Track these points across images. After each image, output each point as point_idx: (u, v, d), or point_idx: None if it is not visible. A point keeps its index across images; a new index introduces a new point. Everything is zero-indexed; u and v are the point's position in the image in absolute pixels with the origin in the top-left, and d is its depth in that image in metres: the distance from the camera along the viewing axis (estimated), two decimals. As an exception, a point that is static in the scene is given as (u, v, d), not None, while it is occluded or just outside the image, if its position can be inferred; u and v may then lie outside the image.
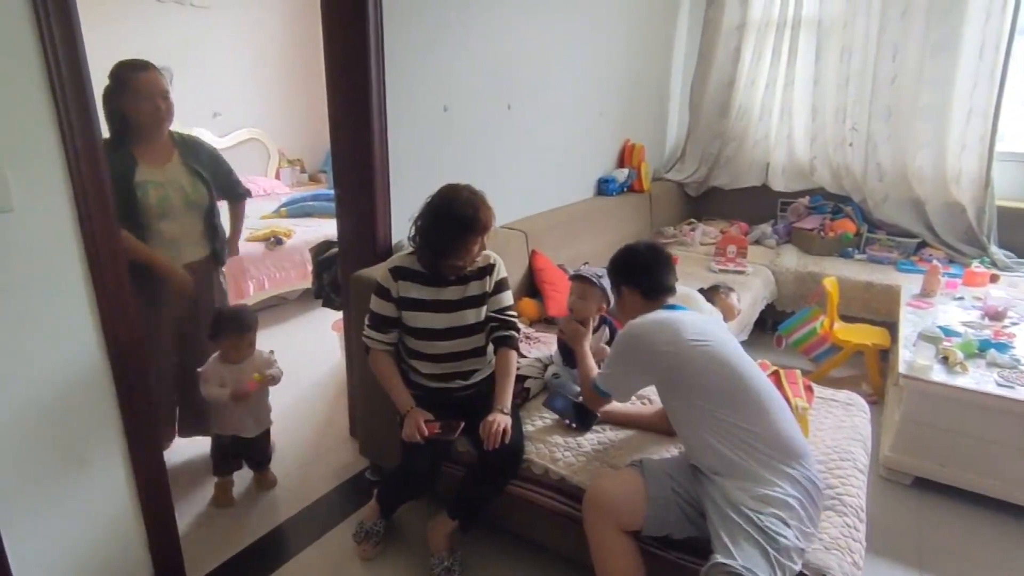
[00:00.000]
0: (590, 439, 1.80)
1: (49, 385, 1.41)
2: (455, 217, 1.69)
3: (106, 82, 1.88)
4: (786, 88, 4.09)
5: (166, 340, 2.16)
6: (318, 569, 1.87)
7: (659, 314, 1.61)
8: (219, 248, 2.25)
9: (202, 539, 1.96)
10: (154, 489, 1.65)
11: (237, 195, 2.42)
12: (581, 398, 1.88)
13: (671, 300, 1.70)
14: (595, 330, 2.04)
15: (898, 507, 2.18)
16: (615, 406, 1.85)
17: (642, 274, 1.70)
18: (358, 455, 2.34)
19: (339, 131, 2.15)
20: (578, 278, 1.95)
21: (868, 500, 1.66)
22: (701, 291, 2.67)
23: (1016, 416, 2.05)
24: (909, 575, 1.87)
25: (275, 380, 2.13)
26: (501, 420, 1.69)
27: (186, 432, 2.34)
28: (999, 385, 2.10)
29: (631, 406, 1.95)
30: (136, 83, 1.91)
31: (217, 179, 2.20)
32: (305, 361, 3.19)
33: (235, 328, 2.04)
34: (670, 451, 1.75)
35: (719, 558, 1.29)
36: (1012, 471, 2.10)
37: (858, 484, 1.65)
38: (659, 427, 1.82)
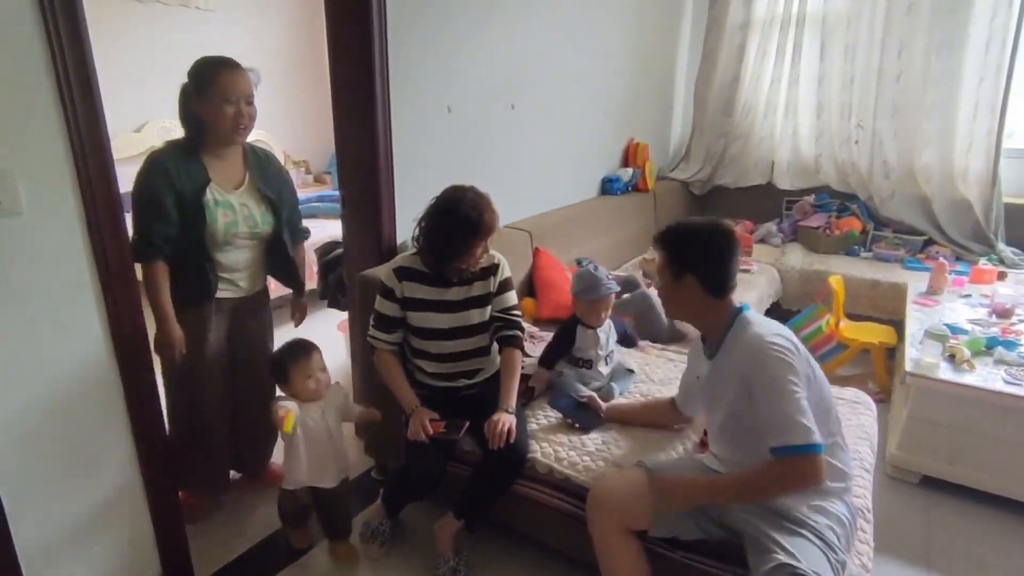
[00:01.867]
0: (594, 438, 1.80)
1: (59, 384, 1.42)
2: (460, 219, 1.69)
3: (184, 80, 1.73)
4: (791, 86, 4.07)
5: (217, 391, 1.95)
6: (324, 568, 1.88)
7: (768, 320, 1.42)
8: (289, 278, 2.08)
9: (209, 537, 1.97)
10: (161, 487, 1.67)
11: (297, 232, 2.09)
12: (585, 398, 1.88)
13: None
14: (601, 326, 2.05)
15: (905, 506, 2.17)
16: (619, 404, 1.85)
17: (715, 263, 1.43)
18: (363, 455, 2.34)
19: (344, 132, 2.17)
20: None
21: (875, 500, 1.65)
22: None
23: (1024, 414, 2.04)
24: (915, 574, 1.86)
25: (350, 415, 1.91)
26: (506, 420, 1.69)
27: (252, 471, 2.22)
28: (1007, 383, 2.09)
29: (635, 402, 1.94)
30: (219, 84, 1.70)
31: (282, 207, 1.93)
32: (311, 361, 3.20)
33: (300, 353, 1.79)
34: (676, 450, 1.75)
35: (782, 558, 1.22)
36: (1021, 469, 2.09)
37: (864, 484, 1.65)
38: (662, 421, 1.82)
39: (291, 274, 2.08)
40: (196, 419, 1.93)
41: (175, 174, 1.69)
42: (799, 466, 1.26)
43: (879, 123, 3.73)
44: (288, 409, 1.69)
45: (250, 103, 1.77)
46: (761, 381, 1.31)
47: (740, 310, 1.44)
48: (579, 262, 2.59)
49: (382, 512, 1.94)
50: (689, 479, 1.44)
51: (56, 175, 1.34)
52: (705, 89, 4.35)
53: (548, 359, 2.06)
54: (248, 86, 1.76)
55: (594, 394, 1.90)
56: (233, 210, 1.79)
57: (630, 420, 1.86)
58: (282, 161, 5.57)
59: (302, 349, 1.81)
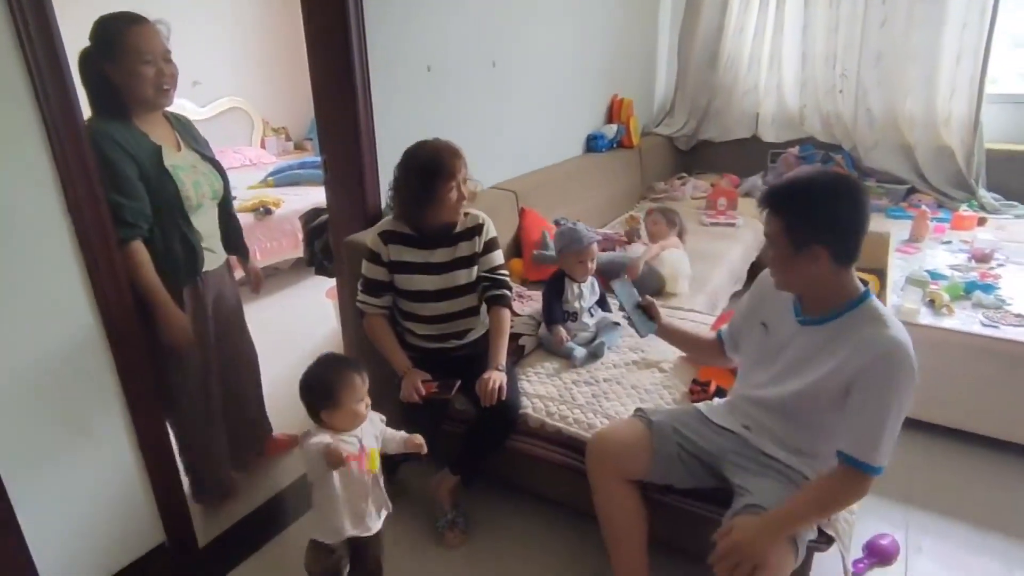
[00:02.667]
0: (584, 391, 1.84)
1: (47, 356, 1.42)
2: (418, 166, 1.71)
3: (85, 43, 1.55)
4: (775, 35, 4.03)
5: (200, 381, 1.84)
6: (325, 527, 1.93)
7: (900, 324, 1.26)
8: (239, 243, 1.98)
9: (210, 504, 2.00)
10: (158, 455, 1.68)
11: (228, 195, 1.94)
12: (646, 302, 1.74)
13: None
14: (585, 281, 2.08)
15: (886, 446, 2.24)
16: (673, 322, 1.76)
17: (849, 228, 1.22)
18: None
19: (322, 96, 2.13)
20: None
21: None
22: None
23: (1000, 355, 2.10)
24: (895, 510, 1.94)
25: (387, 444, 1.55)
26: (497, 377, 1.72)
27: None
28: (984, 325, 2.14)
29: (687, 328, 1.81)
30: (129, 41, 1.52)
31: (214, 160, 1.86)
32: (302, 329, 3.22)
33: (349, 370, 1.42)
34: (665, 399, 1.79)
35: (753, 500, 1.31)
36: (997, 408, 2.16)
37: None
38: (704, 359, 1.79)
39: (240, 236, 1.99)
40: (198, 404, 1.85)
41: (125, 142, 1.55)
42: (864, 483, 1.24)
43: (863, 71, 3.71)
44: (352, 447, 1.37)
45: (168, 60, 1.60)
46: (881, 393, 1.21)
47: (866, 292, 1.29)
48: (557, 222, 2.58)
49: (379, 472, 1.99)
50: (757, 522, 1.25)
51: (28, 143, 1.31)
52: (689, 42, 4.28)
53: (550, 317, 2.07)
54: (161, 40, 1.59)
55: (654, 300, 1.77)
56: (190, 171, 1.69)
57: (678, 344, 1.78)
58: (261, 129, 5.48)
59: (349, 365, 1.45)
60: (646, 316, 1.72)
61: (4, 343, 1.35)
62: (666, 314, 1.82)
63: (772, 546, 1.23)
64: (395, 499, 1.97)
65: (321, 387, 1.39)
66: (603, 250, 2.62)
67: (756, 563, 1.21)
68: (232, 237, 1.94)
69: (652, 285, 2.54)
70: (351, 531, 1.44)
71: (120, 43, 1.53)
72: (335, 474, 1.37)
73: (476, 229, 1.85)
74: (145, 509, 1.69)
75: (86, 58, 1.56)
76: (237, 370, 2.03)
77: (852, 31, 3.69)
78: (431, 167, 1.70)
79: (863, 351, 1.23)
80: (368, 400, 1.46)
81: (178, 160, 1.69)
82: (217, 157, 1.86)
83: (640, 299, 1.74)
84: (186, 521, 1.81)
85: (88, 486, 1.56)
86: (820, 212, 1.22)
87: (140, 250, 1.59)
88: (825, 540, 1.42)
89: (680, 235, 2.89)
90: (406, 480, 2.06)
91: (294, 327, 3.25)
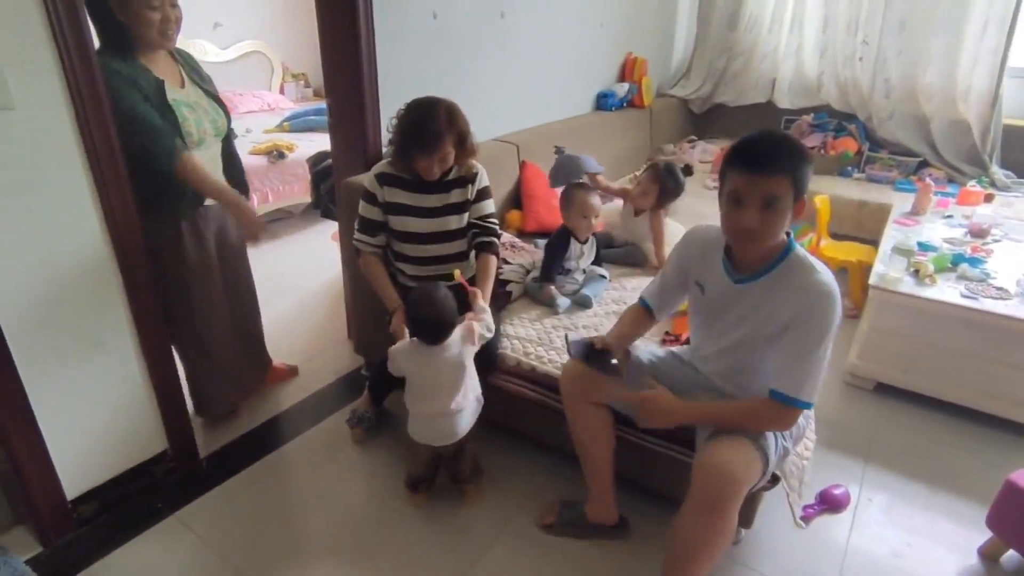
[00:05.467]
0: (561, 335, 1.93)
1: (60, 272, 1.55)
2: (406, 127, 1.76)
3: None
4: (798, -3, 3.94)
5: (219, 299, 1.99)
6: (315, 449, 2.09)
7: (820, 263, 1.35)
8: (240, 180, 2.03)
9: (212, 422, 2.16)
10: (162, 368, 1.82)
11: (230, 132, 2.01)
12: (596, 342, 1.59)
13: None
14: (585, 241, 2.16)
15: (856, 410, 2.32)
16: (620, 338, 1.63)
17: (808, 174, 1.30)
18: (354, 354, 2.52)
19: (327, 39, 2.18)
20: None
21: (827, 403, 1.79)
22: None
23: (976, 325, 2.14)
24: (855, 465, 2.03)
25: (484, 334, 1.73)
26: (476, 317, 1.82)
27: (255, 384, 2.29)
28: (964, 296, 2.18)
29: (625, 330, 1.66)
30: None
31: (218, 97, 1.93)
32: (308, 271, 3.35)
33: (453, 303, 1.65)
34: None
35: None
36: (970, 378, 2.22)
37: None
38: (641, 331, 1.68)
39: (241, 174, 2.05)
40: (201, 332, 1.97)
41: (131, 78, 1.61)
42: (790, 415, 1.34)
43: (885, 39, 3.63)
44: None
45: (175, 4, 1.66)
46: (809, 332, 1.29)
47: (791, 243, 1.35)
48: (557, 150, 2.47)
49: (368, 401, 2.13)
50: (677, 402, 1.44)
51: (43, 69, 1.40)
52: (710, 1, 4.20)
53: (548, 274, 2.15)
54: None
55: (597, 336, 1.62)
56: (192, 108, 1.76)
57: (630, 341, 1.67)
58: (280, 74, 5.53)
59: (448, 294, 1.65)
60: (606, 357, 1.54)
61: (24, 258, 1.48)
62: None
63: (677, 422, 1.43)
64: (380, 427, 2.13)
65: (439, 326, 1.63)
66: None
67: (659, 427, 1.46)
68: (234, 174, 2.00)
69: (636, 258, 2.49)
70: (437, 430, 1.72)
71: None
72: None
73: (470, 177, 1.91)
74: (150, 417, 1.85)
75: None
76: (240, 299, 2.14)
77: (877, -4, 3.60)
78: (413, 135, 1.74)
79: (798, 297, 1.31)
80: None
81: (180, 96, 1.75)
82: (236, 100, 1.91)
83: (591, 342, 1.57)
84: (188, 432, 1.96)
85: (99, 393, 1.71)
86: (807, 158, 1.28)
87: (194, 161, 1.71)
88: (772, 480, 1.52)
89: (664, 199, 2.46)
90: (392, 410, 2.19)
91: (302, 269, 3.37)
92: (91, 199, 1.55)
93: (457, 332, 1.66)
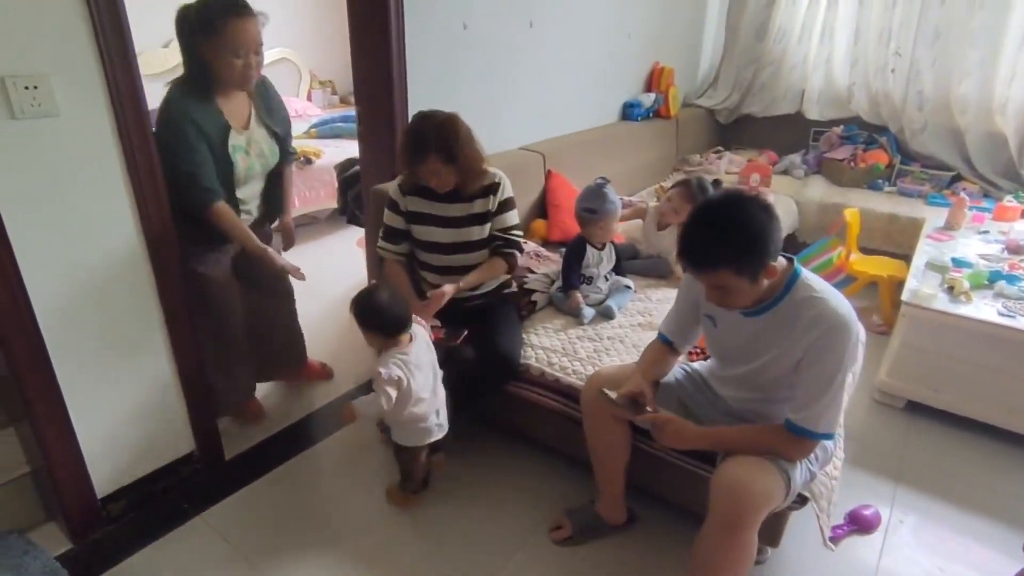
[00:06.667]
0: (586, 346, 1.93)
1: (96, 275, 1.59)
2: (407, 135, 1.76)
3: (183, 7, 1.64)
4: (829, 7, 3.89)
5: (238, 309, 2.04)
6: (342, 452, 2.10)
7: (833, 290, 1.32)
8: (278, 205, 2.10)
9: (238, 424, 2.19)
10: (192, 370, 1.85)
11: (289, 154, 2.08)
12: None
13: None
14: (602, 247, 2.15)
15: (887, 428, 2.27)
16: (648, 378, 1.57)
17: (776, 230, 1.24)
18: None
19: (359, 48, 2.21)
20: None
21: (855, 420, 1.80)
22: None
23: (1016, 345, 2.08)
24: (885, 485, 1.98)
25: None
26: (447, 291, 1.85)
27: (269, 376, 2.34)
28: (1001, 315, 2.12)
29: (647, 368, 1.60)
30: (227, 34, 1.62)
31: (287, 140, 2.02)
32: (334, 276, 3.38)
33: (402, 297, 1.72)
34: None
35: None
36: (1004, 397, 2.15)
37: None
38: (667, 367, 1.64)
39: (279, 200, 2.10)
40: (221, 338, 2.01)
41: (200, 120, 1.69)
42: (806, 447, 1.33)
43: (918, 50, 3.57)
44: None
45: (258, 52, 1.71)
46: (824, 367, 1.26)
47: (796, 271, 1.32)
48: (601, 179, 2.42)
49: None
50: (691, 426, 1.42)
51: (87, 80, 1.44)
52: (739, 10, 4.17)
53: (568, 282, 2.14)
54: (257, 34, 1.68)
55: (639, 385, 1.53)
56: (247, 153, 1.83)
57: (658, 376, 1.63)
58: (308, 81, 5.62)
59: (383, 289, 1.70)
60: (638, 405, 1.49)
61: (63, 261, 1.51)
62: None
63: (691, 446, 1.44)
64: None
65: (398, 322, 1.66)
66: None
67: (670, 446, 1.47)
68: (271, 200, 2.05)
69: (662, 270, 2.47)
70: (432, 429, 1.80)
71: (219, 30, 1.62)
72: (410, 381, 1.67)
73: (492, 188, 1.91)
74: (179, 419, 1.88)
75: (183, 20, 1.65)
76: (274, 303, 2.20)
77: (910, 6, 3.54)
78: (403, 149, 1.77)
79: (809, 333, 1.27)
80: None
81: (240, 141, 1.81)
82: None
83: (635, 399, 1.50)
84: (215, 436, 1.99)
85: (131, 393, 1.74)
86: (755, 238, 1.21)
87: (225, 210, 1.76)
88: (800, 500, 1.49)
89: None
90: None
91: (328, 274, 3.40)
92: (128, 203, 1.59)
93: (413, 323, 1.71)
